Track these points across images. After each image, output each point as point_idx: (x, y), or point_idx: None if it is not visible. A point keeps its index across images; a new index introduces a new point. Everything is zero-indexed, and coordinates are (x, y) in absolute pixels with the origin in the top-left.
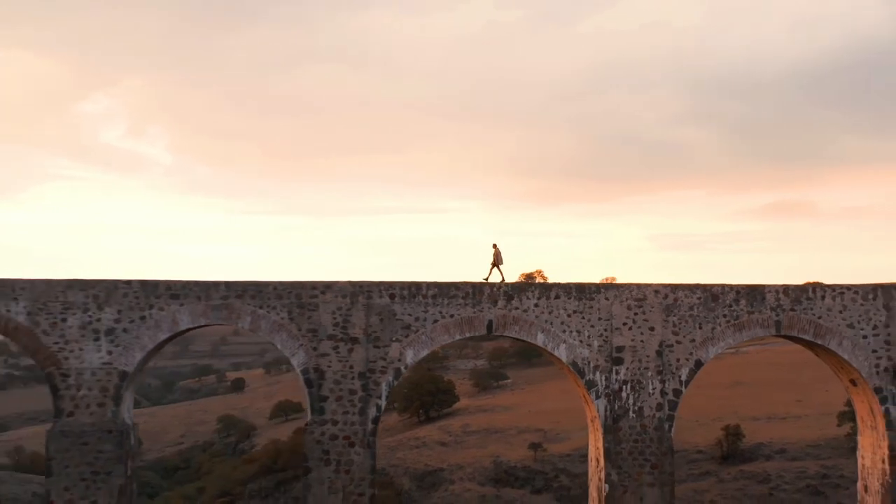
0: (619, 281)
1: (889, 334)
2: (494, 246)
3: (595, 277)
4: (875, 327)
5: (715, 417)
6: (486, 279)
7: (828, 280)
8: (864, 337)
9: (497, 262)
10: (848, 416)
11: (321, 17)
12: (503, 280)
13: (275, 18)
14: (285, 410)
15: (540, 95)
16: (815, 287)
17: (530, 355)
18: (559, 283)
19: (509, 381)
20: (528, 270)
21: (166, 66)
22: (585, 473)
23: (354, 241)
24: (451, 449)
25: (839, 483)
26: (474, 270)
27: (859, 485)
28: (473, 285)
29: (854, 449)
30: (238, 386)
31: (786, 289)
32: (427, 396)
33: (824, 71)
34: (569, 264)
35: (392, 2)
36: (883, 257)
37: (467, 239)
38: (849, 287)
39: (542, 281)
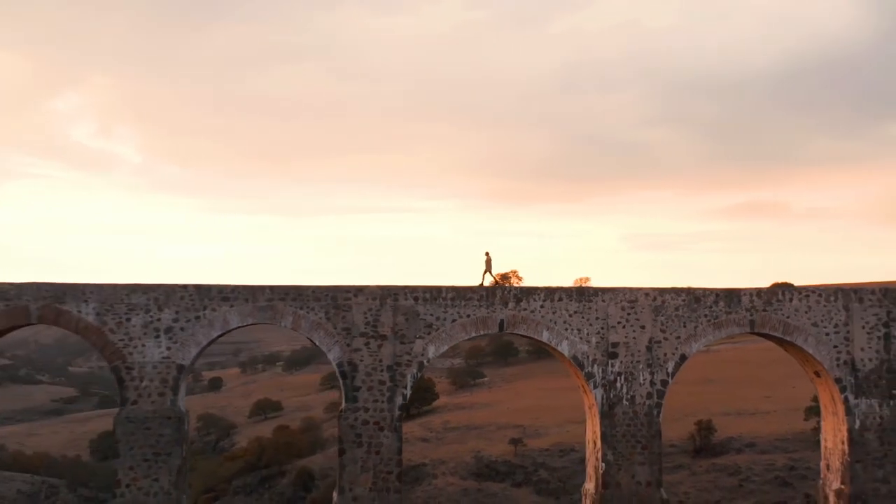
0: (594, 281)
1: (848, 332)
2: (487, 254)
3: (569, 277)
4: (836, 326)
5: (688, 413)
6: (481, 285)
7: (796, 279)
8: (827, 334)
9: (488, 268)
10: (814, 410)
11: (292, 16)
12: (482, 284)
13: (244, 17)
14: (264, 409)
15: (512, 96)
16: (784, 290)
17: (507, 354)
18: (562, 287)
19: (486, 379)
20: (503, 271)
21: (137, 65)
22: (564, 468)
23: (326, 241)
24: (433, 445)
25: (805, 475)
26: (448, 269)
27: (822, 463)
28: (487, 289)
29: (819, 442)
30: (215, 385)
31: (759, 291)
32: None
33: (793, 73)
34: (543, 265)
35: (362, 1)
36: (848, 257)
37: (440, 238)
38: (813, 290)
39: (517, 281)
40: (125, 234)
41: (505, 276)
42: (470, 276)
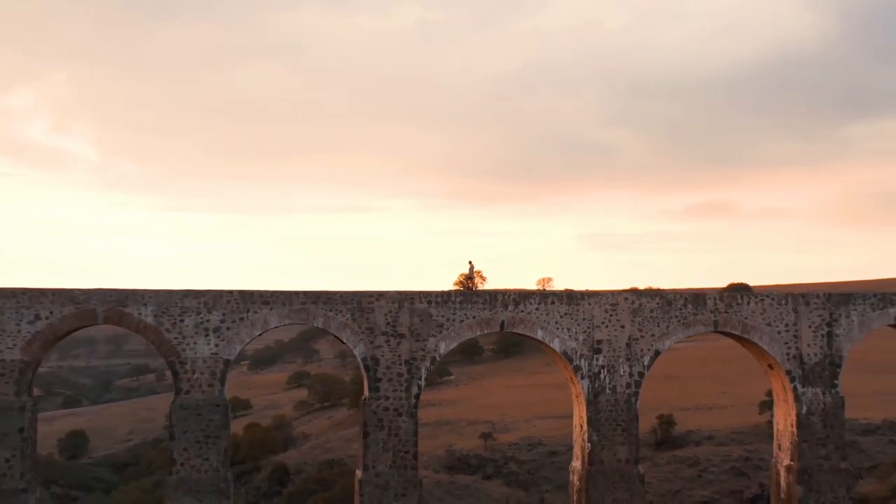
0: (555, 281)
1: (797, 330)
2: (470, 262)
3: (531, 278)
4: (786, 325)
5: (650, 407)
6: (469, 287)
7: (751, 279)
8: (779, 332)
9: (471, 275)
10: (767, 405)
11: (253, 14)
12: (470, 287)
13: (205, 15)
14: (233, 407)
15: (471, 96)
16: (743, 294)
17: (473, 353)
18: (554, 292)
19: (452, 377)
20: (465, 271)
21: (94, 62)
22: (533, 460)
23: (285, 240)
24: None
25: (760, 465)
26: (404, 268)
27: (774, 444)
28: (490, 294)
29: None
30: None
31: (721, 296)
32: None
33: (748, 75)
34: (502, 265)
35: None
36: (802, 257)
37: (397, 238)
38: (767, 294)
39: (481, 282)
40: (81, 232)
41: (469, 277)
42: (428, 273)
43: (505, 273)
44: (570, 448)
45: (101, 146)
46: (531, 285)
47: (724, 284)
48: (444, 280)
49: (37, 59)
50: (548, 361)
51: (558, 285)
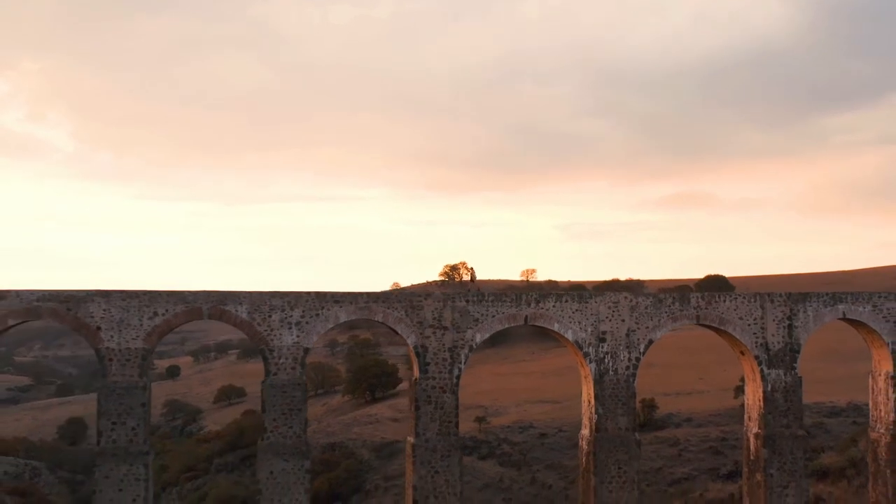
0: (539, 273)
1: (764, 324)
2: (471, 269)
3: (514, 268)
4: (755, 319)
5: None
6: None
7: (726, 270)
8: (749, 325)
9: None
10: (741, 390)
11: (226, 5)
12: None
13: (178, 5)
14: (228, 395)
15: (447, 86)
16: (719, 294)
17: None
18: (568, 292)
19: None
20: (452, 262)
21: (68, 51)
22: (525, 442)
23: (261, 229)
24: (403, 424)
25: (735, 444)
26: (379, 257)
27: (745, 416)
28: (516, 294)
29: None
30: (173, 373)
31: (702, 295)
32: (373, 379)
33: (723, 67)
34: (482, 255)
35: None
36: (774, 247)
37: (373, 228)
38: (740, 294)
39: (466, 272)
40: (54, 220)
41: (454, 268)
42: (406, 262)
43: (487, 264)
44: (560, 430)
45: (76, 136)
46: (515, 276)
47: (701, 276)
48: (427, 271)
49: (9, 48)
50: (532, 350)
51: (541, 276)
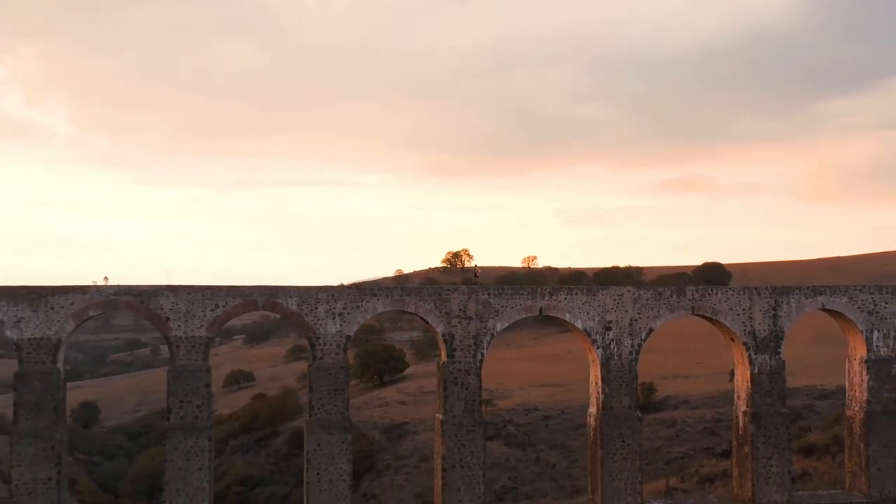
0: (539, 260)
1: (751, 313)
2: (475, 267)
3: (515, 254)
4: (744, 309)
5: None
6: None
7: (724, 257)
8: (738, 315)
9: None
10: (734, 373)
11: None
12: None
13: None
14: (237, 379)
15: (445, 71)
16: (712, 287)
17: None
18: (578, 286)
19: None
20: (453, 248)
21: (65, 36)
22: (529, 423)
23: (261, 214)
24: (411, 407)
25: (730, 426)
26: (378, 241)
27: (735, 396)
28: (532, 287)
29: None
30: None
31: (697, 288)
32: (381, 363)
33: (721, 50)
34: (481, 239)
35: None
36: (774, 233)
37: (372, 212)
38: (730, 288)
39: (468, 259)
40: (52, 206)
41: (456, 255)
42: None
43: (488, 249)
44: (563, 412)
45: (74, 121)
46: (516, 263)
47: (700, 261)
48: (427, 256)
49: (5, 32)
50: (535, 336)
51: (541, 263)
